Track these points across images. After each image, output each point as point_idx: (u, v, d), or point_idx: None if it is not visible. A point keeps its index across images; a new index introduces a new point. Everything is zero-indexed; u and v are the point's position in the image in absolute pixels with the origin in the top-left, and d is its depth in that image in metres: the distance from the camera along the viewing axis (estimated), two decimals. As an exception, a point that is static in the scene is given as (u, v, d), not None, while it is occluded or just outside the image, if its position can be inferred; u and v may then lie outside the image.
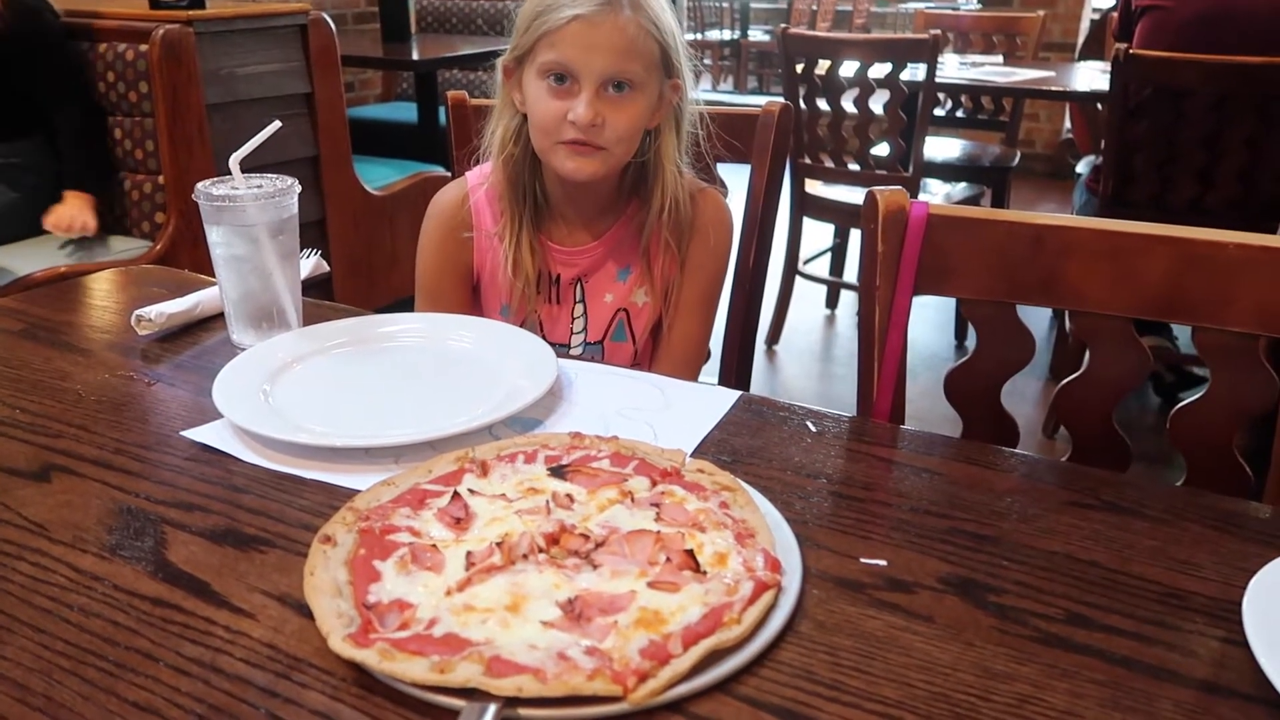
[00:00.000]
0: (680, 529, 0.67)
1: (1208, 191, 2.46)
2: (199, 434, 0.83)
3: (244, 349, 0.99)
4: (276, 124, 1.01)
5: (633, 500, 0.70)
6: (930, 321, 3.40)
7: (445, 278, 1.23)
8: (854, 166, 3.00)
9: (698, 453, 0.81)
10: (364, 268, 3.10)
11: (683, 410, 0.88)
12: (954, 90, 3.58)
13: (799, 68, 2.97)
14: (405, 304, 1.24)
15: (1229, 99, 2.34)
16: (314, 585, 0.60)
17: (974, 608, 0.62)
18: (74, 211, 2.39)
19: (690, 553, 0.63)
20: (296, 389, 0.90)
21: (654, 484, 0.73)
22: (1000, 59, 3.76)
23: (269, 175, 1.01)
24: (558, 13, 1.06)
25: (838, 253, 3.57)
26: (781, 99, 1.43)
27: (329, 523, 0.67)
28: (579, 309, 1.23)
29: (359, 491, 0.72)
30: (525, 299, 1.19)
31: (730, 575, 0.61)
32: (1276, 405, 0.87)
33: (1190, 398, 0.89)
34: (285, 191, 0.99)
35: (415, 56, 3.56)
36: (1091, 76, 3.34)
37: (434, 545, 0.65)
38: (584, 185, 1.14)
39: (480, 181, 1.22)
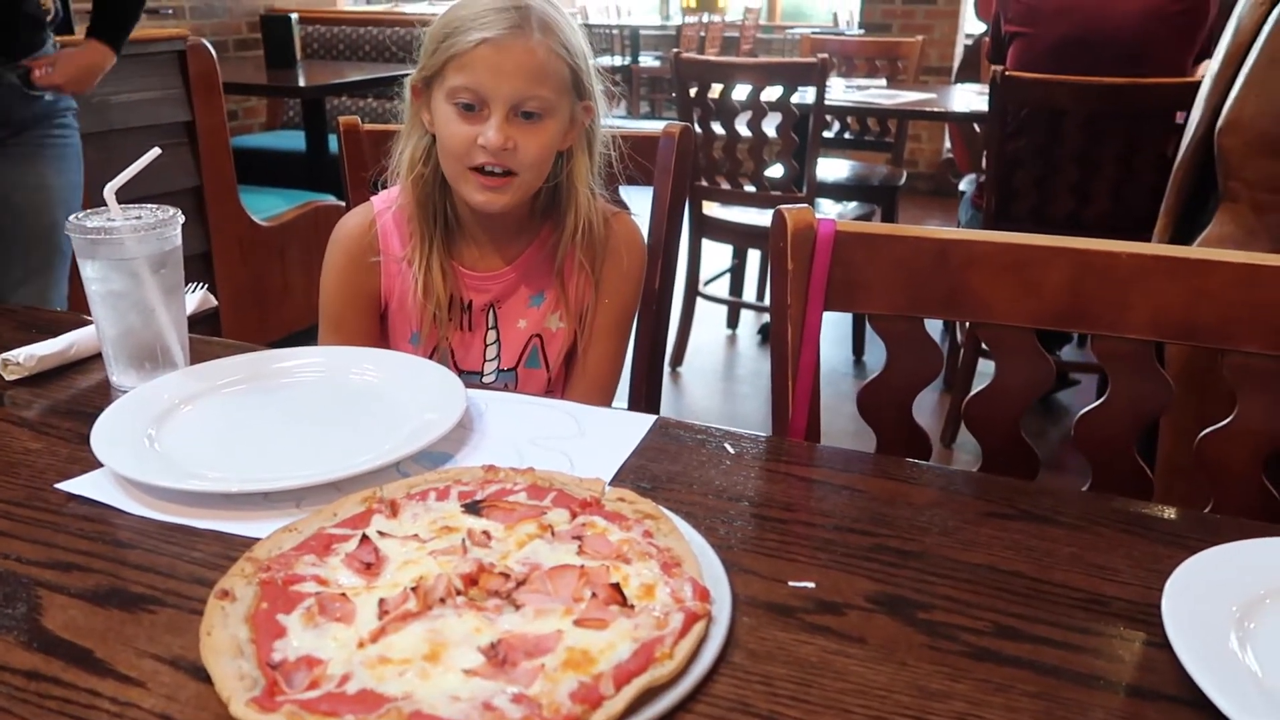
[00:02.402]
0: (604, 561, 0.64)
1: (1084, 206, 2.57)
2: (76, 485, 0.76)
3: (125, 391, 0.92)
4: (156, 151, 0.95)
5: (553, 534, 0.68)
6: (828, 337, 3.46)
7: (351, 307, 1.18)
8: (750, 188, 3.04)
9: (616, 481, 0.79)
10: (253, 301, 2.98)
11: (598, 437, 0.86)
12: (841, 112, 3.68)
13: (693, 92, 3.00)
14: (298, 338, 1.18)
15: (1100, 118, 2.46)
16: (211, 646, 0.55)
17: (904, 625, 0.61)
18: (88, 70, 1.98)
19: (616, 586, 0.61)
20: (185, 432, 0.84)
21: (574, 515, 0.70)
22: (884, 82, 3.88)
23: (149, 205, 0.95)
24: (465, 35, 1.03)
25: (736, 273, 3.62)
26: (678, 122, 1.43)
27: (226, 575, 0.62)
28: (491, 335, 1.20)
29: (258, 540, 0.67)
30: (437, 325, 1.15)
31: (659, 607, 0.59)
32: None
33: (1086, 405, 0.91)
34: (167, 222, 0.93)
35: (301, 83, 3.46)
36: (968, 98, 3.48)
37: (343, 594, 0.61)
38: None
39: (387, 205, 1.18)
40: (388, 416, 0.87)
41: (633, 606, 0.60)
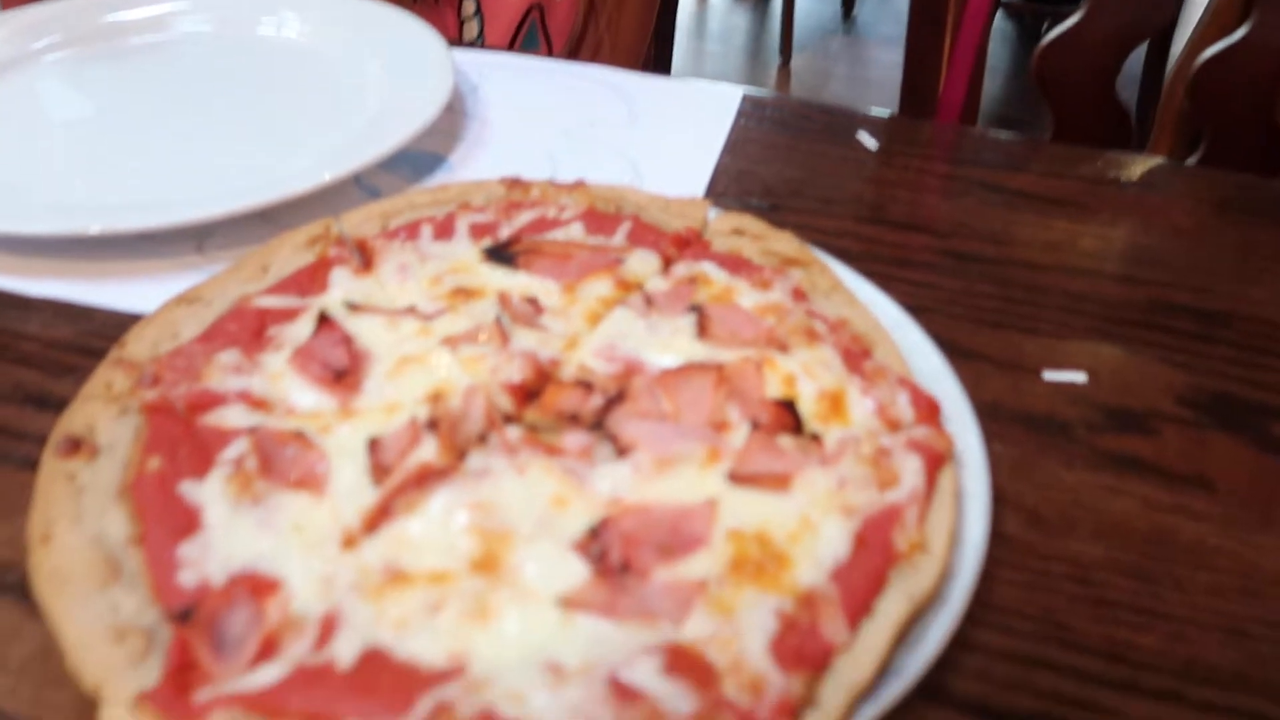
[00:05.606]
0: (747, 351, 0.37)
1: None
2: None
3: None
4: None
5: (647, 301, 0.40)
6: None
7: None
8: None
9: (713, 194, 0.50)
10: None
11: (662, 124, 0.56)
12: None
13: None
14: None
15: None
16: (53, 565, 0.29)
17: (1260, 452, 0.37)
18: None
19: (788, 405, 0.35)
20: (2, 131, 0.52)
21: (668, 262, 0.42)
22: None
23: None
24: None
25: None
26: None
27: (78, 400, 0.34)
28: (470, 6, 0.81)
29: (136, 316, 0.38)
30: None
31: (863, 437, 0.34)
32: None
33: None
34: None
35: None
36: None
37: (298, 432, 0.33)
38: None
39: None
40: (332, 96, 0.55)
41: (818, 438, 0.34)
